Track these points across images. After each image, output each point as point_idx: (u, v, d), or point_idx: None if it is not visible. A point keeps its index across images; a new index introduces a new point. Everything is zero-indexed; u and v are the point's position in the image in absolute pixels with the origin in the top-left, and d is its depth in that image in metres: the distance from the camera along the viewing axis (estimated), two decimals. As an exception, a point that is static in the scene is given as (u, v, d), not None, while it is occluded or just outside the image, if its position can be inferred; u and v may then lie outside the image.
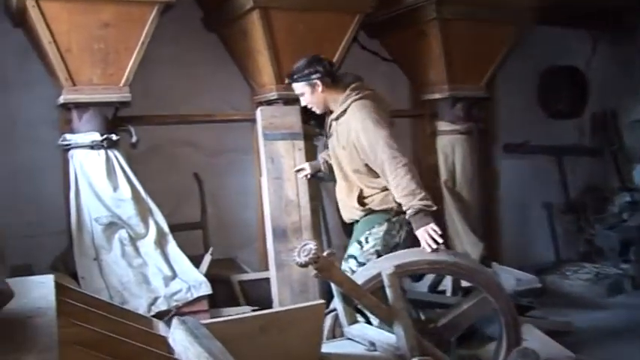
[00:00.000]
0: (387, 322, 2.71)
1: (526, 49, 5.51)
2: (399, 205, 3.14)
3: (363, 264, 3.17)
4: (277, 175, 3.94)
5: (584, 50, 6.40)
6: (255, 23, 3.96)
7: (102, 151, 3.71)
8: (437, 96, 4.85)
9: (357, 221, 3.38)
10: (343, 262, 3.32)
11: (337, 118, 3.36)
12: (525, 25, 4.98)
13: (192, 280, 3.58)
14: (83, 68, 3.64)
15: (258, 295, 4.02)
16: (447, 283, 4.06)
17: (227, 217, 4.74)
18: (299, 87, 3.39)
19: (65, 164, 3.83)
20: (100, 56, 3.64)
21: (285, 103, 4.09)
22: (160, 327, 2.36)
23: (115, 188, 3.70)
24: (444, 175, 4.80)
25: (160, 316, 3.25)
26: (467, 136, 4.85)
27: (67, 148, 3.76)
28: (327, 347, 2.65)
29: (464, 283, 3.76)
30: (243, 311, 3.64)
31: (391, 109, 3.57)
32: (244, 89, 4.64)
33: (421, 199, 3.03)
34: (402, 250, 3.13)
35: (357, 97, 3.27)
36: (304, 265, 2.48)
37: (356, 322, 2.86)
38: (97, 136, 3.70)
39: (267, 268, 4.07)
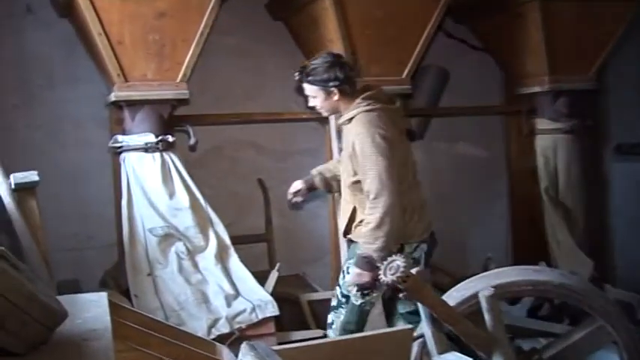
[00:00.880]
0: (484, 352, 2.64)
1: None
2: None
3: (347, 296, 3.29)
4: (352, 181, 3.92)
5: None
6: (328, 10, 3.96)
7: (157, 154, 3.76)
8: (536, 89, 4.78)
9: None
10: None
11: (344, 124, 3.35)
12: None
13: (257, 300, 3.58)
14: (136, 62, 3.70)
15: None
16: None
17: (295, 228, 4.78)
18: (312, 89, 3.32)
19: (116, 169, 3.91)
20: (155, 49, 3.70)
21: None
22: (225, 353, 2.36)
23: (172, 195, 3.74)
24: (544, 182, 4.72)
25: (220, 339, 3.25)
26: (571, 135, 4.76)
27: (118, 151, 3.83)
28: (414, 379, 2.60)
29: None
30: (315, 335, 3.64)
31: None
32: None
33: (377, 250, 3.09)
34: (499, 269, 3.06)
35: (366, 108, 3.24)
36: (391, 285, 2.43)
37: (447, 350, 2.79)
38: (151, 138, 3.76)
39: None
